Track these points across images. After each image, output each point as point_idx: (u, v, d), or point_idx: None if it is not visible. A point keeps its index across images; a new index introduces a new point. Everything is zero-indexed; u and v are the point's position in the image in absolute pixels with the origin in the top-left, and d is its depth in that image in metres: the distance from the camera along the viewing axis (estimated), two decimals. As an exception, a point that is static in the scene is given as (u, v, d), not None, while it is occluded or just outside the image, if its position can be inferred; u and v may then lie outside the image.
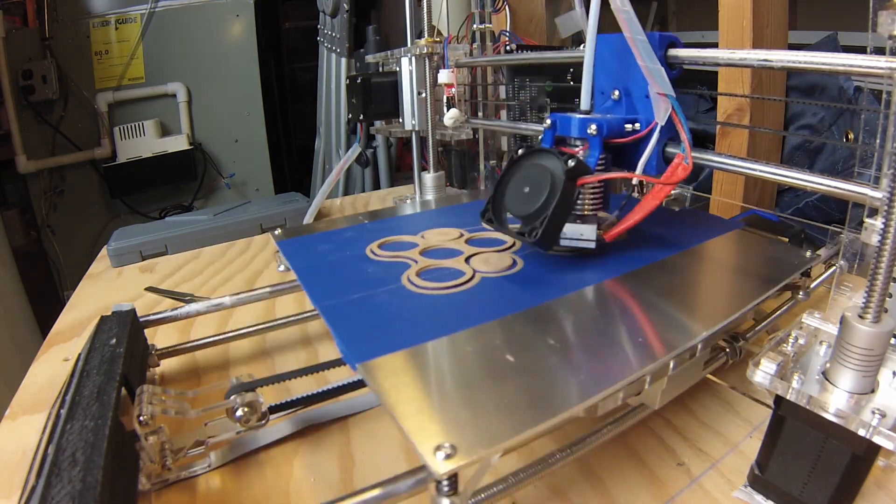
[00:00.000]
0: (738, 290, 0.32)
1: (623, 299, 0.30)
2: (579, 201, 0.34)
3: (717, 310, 0.29)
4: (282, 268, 0.41)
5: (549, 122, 0.36)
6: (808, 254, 0.36)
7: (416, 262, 0.35)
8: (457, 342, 0.26)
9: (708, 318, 0.27)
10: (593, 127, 0.34)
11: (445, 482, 0.19)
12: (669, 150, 0.35)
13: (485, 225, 0.36)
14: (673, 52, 0.35)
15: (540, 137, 0.38)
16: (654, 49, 0.33)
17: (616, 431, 0.27)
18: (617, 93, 0.37)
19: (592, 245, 0.34)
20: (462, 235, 0.40)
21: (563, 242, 0.34)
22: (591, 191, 0.34)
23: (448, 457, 0.18)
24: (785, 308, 0.37)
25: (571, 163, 0.31)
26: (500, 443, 0.19)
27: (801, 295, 0.37)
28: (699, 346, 0.26)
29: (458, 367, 0.24)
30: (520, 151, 0.35)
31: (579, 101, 0.37)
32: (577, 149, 0.35)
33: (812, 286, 0.38)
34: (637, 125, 0.36)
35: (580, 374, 0.23)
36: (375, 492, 0.21)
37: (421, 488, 0.22)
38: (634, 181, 0.35)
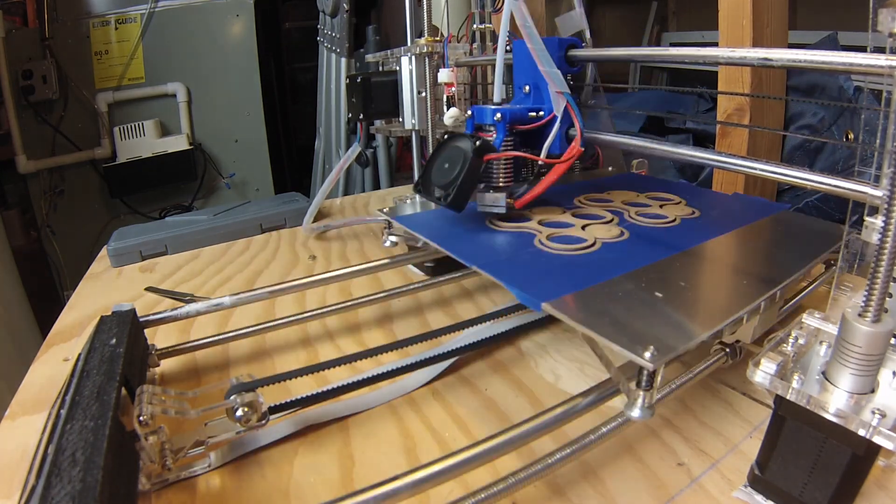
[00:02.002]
0: (798, 255, 0.37)
1: (716, 259, 0.37)
2: (493, 175, 0.42)
3: (785, 268, 0.34)
4: (388, 243, 0.47)
5: (469, 112, 0.43)
6: (847, 228, 0.40)
7: (540, 231, 0.40)
8: (611, 286, 0.31)
9: (781, 273, 0.33)
10: (498, 115, 0.41)
11: (646, 378, 0.25)
12: (571, 132, 0.42)
13: (415, 193, 0.43)
14: (572, 52, 0.43)
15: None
16: (553, 52, 0.40)
17: (615, 433, 0.27)
18: (527, 87, 0.45)
19: (503, 210, 0.42)
20: (565, 211, 0.45)
21: (479, 208, 0.43)
22: (503, 167, 0.41)
23: (654, 355, 0.23)
24: (819, 282, 0.40)
25: (477, 143, 0.39)
26: (681, 345, 0.24)
27: (833, 268, 0.40)
28: (778, 293, 0.31)
29: (620, 302, 0.29)
30: (445, 136, 0.42)
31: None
32: (490, 133, 0.42)
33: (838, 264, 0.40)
34: (541, 113, 0.43)
35: (710, 308, 0.29)
36: (375, 492, 0.21)
37: (420, 489, 0.22)
38: (540, 161, 0.42)
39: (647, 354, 0.23)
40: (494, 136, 0.41)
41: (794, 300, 0.38)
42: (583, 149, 0.41)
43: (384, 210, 0.48)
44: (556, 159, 0.41)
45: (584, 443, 0.26)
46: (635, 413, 0.25)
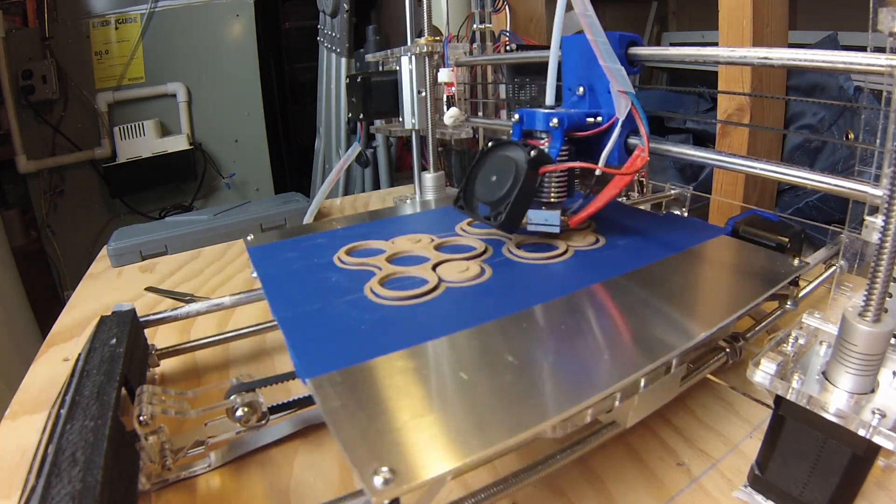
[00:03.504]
0: (719, 302, 0.31)
1: (592, 312, 0.29)
2: (545, 189, 0.36)
3: (695, 322, 0.27)
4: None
5: (517, 116, 0.38)
6: (796, 262, 0.34)
7: (381, 269, 0.35)
8: (410, 357, 0.25)
9: (683, 332, 0.26)
10: (555, 120, 0.36)
11: None
12: (631, 141, 0.38)
13: (457, 210, 0.37)
14: (633, 50, 0.37)
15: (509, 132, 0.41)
16: (614, 49, 0.35)
17: (607, 437, 0.27)
18: (581, 89, 0.40)
19: (557, 230, 0.36)
20: (433, 241, 0.39)
21: (529, 228, 0.37)
22: (556, 180, 0.36)
23: (386, 482, 0.17)
24: (778, 314, 0.36)
25: (533, 153, 0.33)
26: (444, 469, 0.18)
27: (788, 304, 0.36)
28: (674, 362, 0.25)
29: (409, 384, 0.23)
30: (489, 143, 0.37)
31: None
32: (542, 141, 0.37)
33: (801, 295, 0.37)
34: (599, 119, 0.38)
35: (541, 393, 0.22)
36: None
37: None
38: (598, 172, 0.37)
39: (377, 480, 0.17)
40: (547, 144, 0.37)
41: (778, 313, 0.35)
42: (647, 158, 0.35)
43: (249, 238, 0.43)
44: (615, 170, 0.36)
45: (585, 443, 0.26)
46: None
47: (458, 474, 0.19)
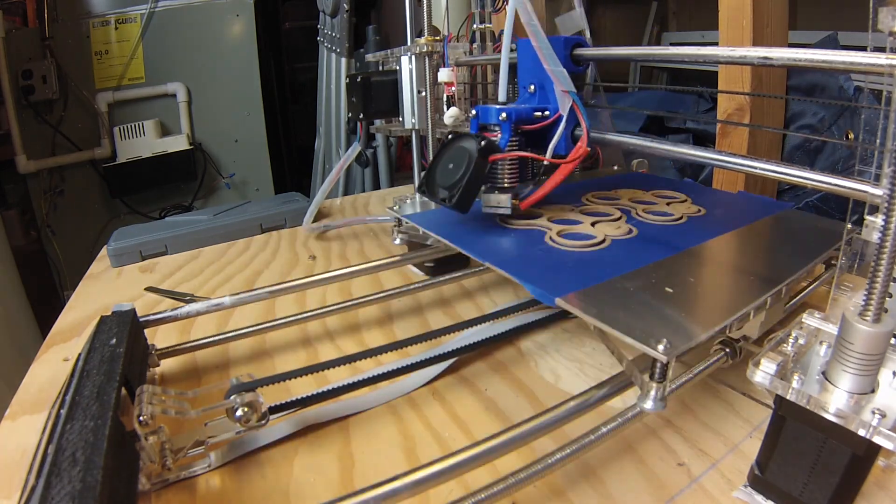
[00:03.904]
0: (801, 253, 0.37)
1: (724, 256, 0.37)
2: (498, 175, 0.41)
3: (789, 266, 0.35)
4: (398, 241, 0.49)
5: (473, 112, 0.43)
6: (849, 226, 0.40)
7: (550, 228, 0.40)
8: (622, 282, 0.31)
9: (785, 271, 0.33)
10: (504, 114, 0.40)
11: (659, 371, 0.25)
12: (578, 132, 0.42)
13: (419, 195, 0.42)
14: (578, 51, 0.42)
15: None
16: (559, 52, 0.40)
17: (611, 433, 0.27)
18: (532, 87, 0.44)
19: (508, 211, 0.41)
20: (574, 209, 0.46)
21: (484, 209, 0.42)
22: (508, 167, 0.41)
23: (666, 348, 0.24)
24: (819, 282, 0.40)
25: (483, 143, 0.38)
26: (693, 339, 0.25)
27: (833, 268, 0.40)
28: (783, 290, 0.31)
29: (632, 297, 0.29)
30: (449, 136, 0.42)
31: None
32: (495, 133, 0.41)
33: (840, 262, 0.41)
34: (546, 113, 0.42)
35: (718, 303, 0.30)
36: (375, 492, 0.21)
37: (420, 489, 0.22)
38: (545, 162, 0.41)
39: (661, 347, 0.24)
40: (499, 136, 0.41)
41: (797, 298, 0.38)
42: (589, 149, 0.40)
43: (394, 208, 0.49)
44: (561, 159, 0.41)
45: (584, 443, 0.26)
46: (648, 405, 0.26)
47: (699, 344, 0.25)
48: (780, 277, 0.32)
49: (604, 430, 0.26)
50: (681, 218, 0.43)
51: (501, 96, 0.42)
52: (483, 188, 0.42)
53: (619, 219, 0.43)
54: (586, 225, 0.41)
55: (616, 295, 0.30)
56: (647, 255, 0.36)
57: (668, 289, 0.30)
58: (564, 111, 0.41)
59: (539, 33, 0.38)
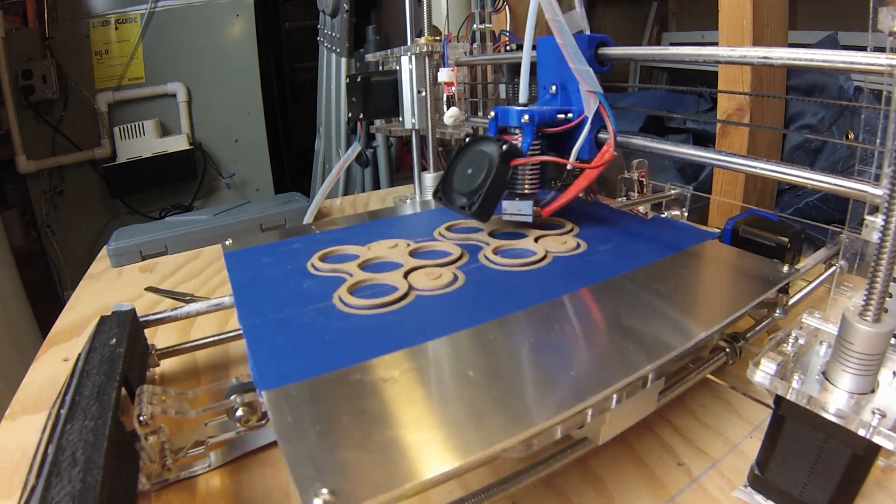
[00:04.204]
0: (701, 312, 0.29)
1: (566, 322, 0.28)
2: (518, 181, 0.38)
3: (674, 334, 0.26)
4: None
5: (492, 114, 0.40)
6: (786, 269, 0.33)
7: (353, 276, 0.34)
8: (371, 370, 0.24)
9: (662, 344, 0.25)
10: (526, 117, 0.38)
11: None
12: (602, 136, 0.39)
13: (435, 202, 0.39)
14: (603, 51, 0.39)
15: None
16: (584, 50, 0.37)
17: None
18: (554, 88, 0.42)
19: (530, 219, 0.38)
20: (409, 246, 0.38)
21: (504, 217, 0.39)
22: (529, 172, 0.38)
23: (325, 503, 0.17)
24: (768, 321, 0.35)
25: (505, 147, 0.36)
26: (389, 492, 0.17)
27: (777, 313, 0.35)
28: (650, 377, 0.24)
29: (366, 399, 0.22)
30: (467, 139, 0.39)
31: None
32: (515, 136, 0.39)
33: (795, 299, 0.36)
34: (570, 115, 0.40)
35: (506, 409, 0.21)
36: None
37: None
38: (568, 166, 0.39)
39: (317, 502, 0.17)
40: (521, 139, 0.39)
41: (777, 313, 0.33)
42: (616, 153, 0.38)
43: (227, 243, 0.42)
44: (585, 164, 0.38)
45: (585, 443, 0.26)
46: None
47: (405, 496, 0.18)
48: (645, 358, 0.23)
49: (575, 447, 0.25)
50: (541, 259, 0.35)
51: (523, 97, 0.40)
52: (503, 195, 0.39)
53: (456, 261, 0.35)
54: (397, 274, 0.33)
55: (345, 394, 0.22)
56: (447, 321, 0.28)
57: (424, 389, 0.22)
58: (590, 113, 0.38)
59: (564, 29, 0.36)
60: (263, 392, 0.23)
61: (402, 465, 0.18)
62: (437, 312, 0.29)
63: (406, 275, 0.33)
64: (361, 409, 0.21)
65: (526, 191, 0.39)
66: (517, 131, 0.39)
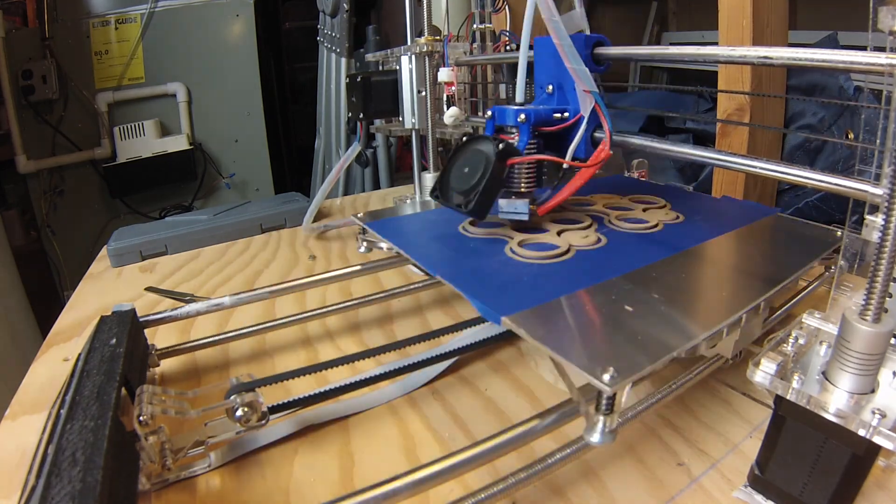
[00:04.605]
0: (787, 262, 0.36)
1: (699, 266, 0.35)
2: (515, 180, 0.39)
3: (772, 277, 0.32)
4: (363, 248, 0.45)
5: (489, 113, 0.41)
6: (839, 233, 0.40)
7: (511, 237, 0.38)
8: (579, 298, 0.29)
9: (765, 283, 0.31)
10: (522, 116, 0.38)
11: (605, 402, 0.23)
12: (598, 135, 0.40)
13: (433, 200, 0.40)
14: (599, 50, 0.40)
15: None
16: (580, 50, 0.37)
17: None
18: (551, 87, 0.42)
19: (526, 217, 0.39)
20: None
21: (500, 215, 0.40)
22: (525, 171, 0.39)
23: (613, 378, 0.21)
24: (819, 282, 0.40)
25: (501, 146, 0.36)
26: (645, 366, 0.22)
27: (833, 269, 0.40)
28: (762, 304, 0.29)
29: (586, 316, 0.28)
30: (464, 138, 0.40)
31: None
32: (512, 135, 0.39)
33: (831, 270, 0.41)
34: (566, 115, 0.40)
35: (684, 321, 0.27)
36: (375, 492, 0.21)
37: (420, 489, 0.22)
38: (565, 165, 0.39)
39: (607, 377, 0.21)
40: (517, 138, 0.39)
41: (784, 308, 0.37)
42: (611, 152, 0.38)
43: (358, 215, 0.46)
44: (581, 163, 0.39)
45: (584, 443, 0.25)
46: (594, 438, 0.23)
47: (654, 372, 0.23)
48: (758, 291, 0.30)
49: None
50: (656, 225, 0.41)
51: (519, 97, 0.40)
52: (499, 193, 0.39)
53: (590, 226, 0.41)
54: (552, 234, 0.39)
55: (570, 314, 0.28)
56: (613, 267, 0.34)
57: (627, 307, 0.28)
58: (586, 112, 0.39)
59: (561, 29, 0.36)
60: (503, 318, 0.27)
61: (648, 347, 0.24)
62: (599, 261, 0.35)
63: (558, 234, 0.39)
64: (589, 322, 0.27)
65: (522, 189, 0.39)
66: (514, 130, 0.39)
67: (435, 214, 0.47)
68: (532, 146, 0.39)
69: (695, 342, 0.25)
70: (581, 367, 0.22)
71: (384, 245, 0.43)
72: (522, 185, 0.39)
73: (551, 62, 0.41)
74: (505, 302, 0.29)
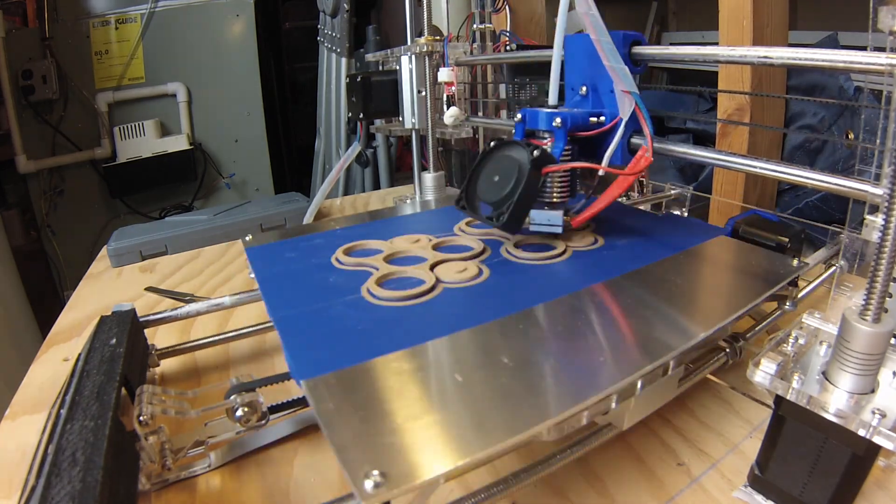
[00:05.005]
0: (718, 302, 0.31)
1: (590, 312, 0.29)
2: (547, 189, 0.36)
3: (693, 323, 0.27)
4: (253, 275, 0.40)
5: (519, 116, 0.37)
6: (795, 262, 0.35)
7: (379, 269, 0.34)
8: (406, 359, 0.25)
9: (682, 333, 0.26)
10: (558, 120, 0.35)
11: None
12: (635, 141, 0.37)
13: (459, 210, 0.37)
14: (637, 49, 0.37)
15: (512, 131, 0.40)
16: (618, 48, 0.34)
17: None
18: (584, 88, 0.39)
19: (560, 230, 0.36)
20: (431, 241, 0.39)
21: (532, 228, 0.36)
22: (559, 180, 0.36)
23: (377, 485, 0.17)
24: (777, 314, 0.36)
25: (536, 153, 0.33)
26: (436, 472, 0.18)
27: (787, 305, 0.36)
28: (671, 364, 0.25)
29: (405, 385, 0.23)
30: (492, 143, 0.36)
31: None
32: (544, 141, 0.36)
33: (801, 295, 0.37)
34: (602, 118, 0.37)
35: (537, 395, 0.22)
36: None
37: None
38: (601, 172, 0.36)
39: (368, 484, 0.17)
40: (551, 144, 0.36)
41: (778, 313, 0.35)
42: (651, 158, 0.34)
43: (247, 238, 0.43)
44: (620, 170, 0.35)
45: (584, 443, 0.25)
46: None
47: (450, 477, 0.18)
48: (665, 347, 0.25)
49: (601, 432, 0.26)
50: (562, 254, 0.36)
51: (553, 99, 0.37)
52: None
53: (479, 255, 0.36)
54: (423, 267, 0.34)
55: (381, 382, 0.23)
56: (476, 311, 0.29)
57: (457, 376, 0.23)
58: (625, 115, 0.35)
59: (600, 24, 0.33)
60: (302, 381, 0.23)
61: (446, 447, 0.19)
62: (464, 304, 0.30)
63: (432, 268, 0.34)
64: (400, 395, 0.22)
65: (555, 199, 0.36)
66: (546, 135, 0.36)
67: (321, 238, 0.42)
68: (567, 153, 0.36)
69: (524, 436, 0.19)
70: (345, 463, 0.18)
71: (252, 274, 0.38)
72: (555, 194, 0.36)
73: (584, 61, 0.38)
74: (319, 359, 0.25)
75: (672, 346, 0.25)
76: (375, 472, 0.17)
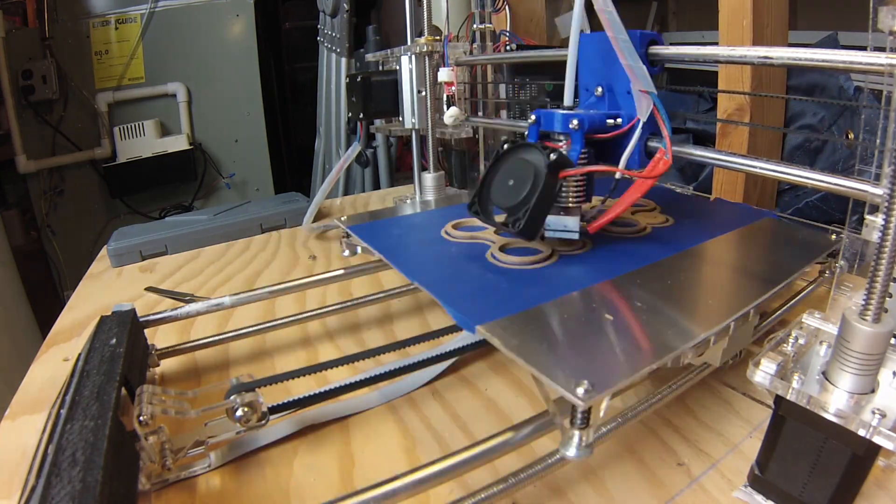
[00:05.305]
0: (779, 267, 0.35)
1: (685, 274, 0.34)
2: (563, 194, 0.35)
3: (763, 283, 0.32)
4: (346, 252, 0.44)
5: (533, 117, 0.37)
6: (833, 237, 0.40)
7: (494, 241, 0.38)
8: (559, 306, 0.29)
9: (756, 290, 0.31)
10: (575, 122, 0.34)
11: (580, 416, 0.22)
12: (652, 144, 0.36)
13: (471, 216, 0.37)
14: (654, 49, 0.36)
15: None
16: (635, 47, 0.34)
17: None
18: (600, 89, 0.38)
19: (576, 236, 0.36)
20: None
21: (547, 234, 0.36)
22: (575, 184, 0.35)
23: (587, 391, 0.21)
24: (809, 290, 0.39)
25: (553, 156, 0.32)
26: (623, 380, 0.22)
27: (827, 273, 0.40)
28: (751, 312, 0.29)
29: (564, 325, 0.27)
30: (505, 146, 0.36)
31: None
32: (560, 143, 0.36)
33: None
34: (619, 120, 0.37)
35: (673, 326, 0.27)
36: (375, 492, 0.21)
37: (420, 489, 0.22)
38: (618, 175, 0.35)
39: (580, 391, 0.21)
40: (567, 146, 0.35)
41: (780, 311, 0.37)
42: (671, 161, 0.34)
43: (342, 218, 0.46)
44: (639, 174, 0.35)
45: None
46: (570, 452, 0.22)
47: (629, 387, 0.24)
48: (747, 299, 0.29)
49: (604, 429, 0.26)
50: (644, 229, 0.40)
51: (568, 100, 0.36)
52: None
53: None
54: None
55: (548, 322, 0.27)
56: (597, 273, 0.33)
57: (607, 315, 0.27)
58: (643, 116, 0.34)
59: (617, 22, 0.32)
60: (477, 327, 0.26)
61: (623, 363, 0.23)
62: (581, 267, 0.34)
63: (541, 238, 0.37)
64: (568, 331, 0.26)
65: (570, 205, 0.35)
66: (562, 138, 0.35)
67: (419, 218, 0.47)
68: (584, 156, 0.35)
69: (675, 353, 0.24)
70: (554, 380, 0.21)
71: (346, 252, 0.43)
72: (571, 199, 0.35)
73: (599, 61, 0.37)
74: (481, 310, 0.28)
75: (751, 299, 0.29)
76: (585, 381, 0.21)
